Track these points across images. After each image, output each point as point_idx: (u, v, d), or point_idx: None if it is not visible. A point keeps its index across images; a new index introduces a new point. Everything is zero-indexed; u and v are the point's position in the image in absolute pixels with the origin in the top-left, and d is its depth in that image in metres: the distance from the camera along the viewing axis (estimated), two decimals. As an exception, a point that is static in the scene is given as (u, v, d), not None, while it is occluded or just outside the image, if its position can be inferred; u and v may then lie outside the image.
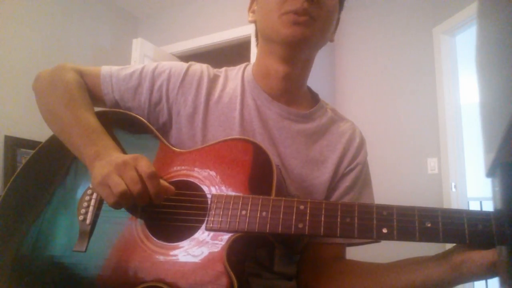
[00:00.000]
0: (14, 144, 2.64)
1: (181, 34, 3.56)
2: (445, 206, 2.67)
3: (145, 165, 0.63)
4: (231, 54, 3.46)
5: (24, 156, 2.66)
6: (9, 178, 0.76)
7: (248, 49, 3.06)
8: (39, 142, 0.82)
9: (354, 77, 3.29)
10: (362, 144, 0.86)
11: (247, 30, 3.10)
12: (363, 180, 0.84)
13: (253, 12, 0.85)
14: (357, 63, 3.27)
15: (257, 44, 0.89)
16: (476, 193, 3.60)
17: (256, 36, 0.88)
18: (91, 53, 3.32)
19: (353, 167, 0.82)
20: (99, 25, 3.42)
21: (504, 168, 0.33)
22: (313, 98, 0.90)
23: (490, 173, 0.36)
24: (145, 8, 3.71)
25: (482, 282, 3.52)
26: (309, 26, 0.74)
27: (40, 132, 2.53)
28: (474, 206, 4.09)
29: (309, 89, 0.91)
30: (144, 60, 3.19)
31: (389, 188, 2.64)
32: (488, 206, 4.03)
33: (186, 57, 3.55)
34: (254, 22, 0.85)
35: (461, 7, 2.65)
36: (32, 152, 0.81)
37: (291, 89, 0.83)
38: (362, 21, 3.26)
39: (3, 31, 2.68)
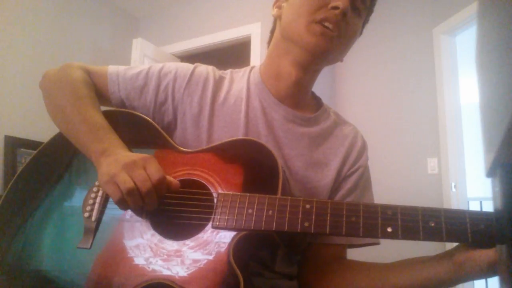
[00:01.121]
0: (14, 144, 2.64)
1: (181, 34, 3.56)
2: (445, 206, 2.67)
3: (154, 168, 0.64)
4: (231, 54, 3.47)
5: (24, 156, 2.66)
6: (9, 178, 0.76)
7: (248, 49, 3.06)
8: (39, 142, 0.83)
9: (354, 77, 3.29)
10: (363, 147, 0.87)
11: (247, 30, 3.10)
12: (364, 182, 0.85)
13: (279, 7, 0.83)
14: (357, 63, 3.27)
15: (269, 41, 0.88)
16: (476, 193, 3.61)
17: (272, 32, 0.87)
18: (91, 53, 3.32)
19: (355, 169, 0.83)
20: (99, 25, 3.42)
21: (504, 168, 0.33)
22: (317, 102, 0.91)
23: (490, 173, 0.36)
24: (145, 8, 3.71)
25: (482, 281, 3.52)
26: (334, 41, 0.74)
27: (40, 132, 2.54)
28: (474, 206, 4.10)
29: (313, 94, 0.92)
30: (144, 60, 3.19)
31: (389, 188, 2.64)
32: (488, 206, 4.03)
33: (186, 57, 3.55)
34: (278, 17, 0.83)
35: (461, 7, 2.65)
36: (32, 152, 0.81)
37: (298, 93, 0.84)
38: (362, 21, 3.26)
39: (3, 31, 2.68)
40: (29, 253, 0.70)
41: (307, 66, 0.80)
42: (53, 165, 0.81)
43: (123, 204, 0.63)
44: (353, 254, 0.81)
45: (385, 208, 0.58)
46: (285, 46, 0.80)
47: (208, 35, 3.39)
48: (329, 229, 0.59)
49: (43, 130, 2.55)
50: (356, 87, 3.27)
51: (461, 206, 2.65)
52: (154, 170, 0.63)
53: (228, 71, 0.90)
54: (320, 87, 0.98)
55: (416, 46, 3.02)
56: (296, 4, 0.77)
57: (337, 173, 0.81)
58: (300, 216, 0.60)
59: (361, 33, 0.85)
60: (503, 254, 0.43)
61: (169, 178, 0.66)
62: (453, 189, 2.68)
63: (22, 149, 2.67)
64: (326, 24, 0.73)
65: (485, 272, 0.54)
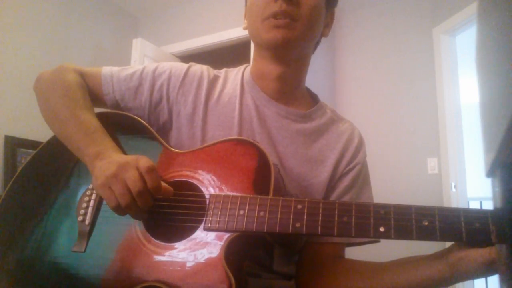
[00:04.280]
0: (14, 144, 2.64)
1: (181, 34, 3.56)
2: (445, 206, 2.67)
3: (144, 161, 0.63)
4: (231, 54, 3.46)
5: (24, 156, 2.66)
6: (9, 178, 0.76)
7: (248, 49, 3.06)
8: (39, 142, 0.82)
9: (354, 77, 3.29)
10: (361, 144, 0.86)
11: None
12: (362, 180, 0.84)
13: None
14: (357, 63, 3.27)
15: None
16: (476, 193, 3.60)
17: None
18: (91, 53, 3.31)
19: (352, 167, 0.82)
20: (99, 25, 3.42)
21: (504, 168, 0.33)
22: (313, 99, 0.91)
23: (490, 173, 0.36)
24: (145, 8, 3.71)
25: (482, 280, 3.52)
26: (290, 27, 0.74)
27: (40, 132, 2.53)
28: (474, 206, 4.09)
29: (308, 90, 0.92)
30: (144, 60, 3.19)
31: (389, 188, 2.64)
32: (488, 206, 4.02)
33: (186, 57, 3.54)
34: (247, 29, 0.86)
35: (461, 7, 2.65)
36: (32, 152, 0.81)
37: (287, 89, 0.84)
38: (362, 21, 3.26)
39: (3, 31, 2.68)
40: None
41: (282, 60, 0.80)
42: (53, 165, 0.80)
43: (119, 209, 0.62)
44: (352, 252, 0.81)
45: (377, 207, 0.57)
46: (258, 50, 0.83)
47: (208, 35, 3.39)
48: (320, 230, 0.58)
49: (43, 130, 2.54)
50: (356, 87, 3.27)
51: (461, 206, 2.65)
52: (144, 164, 0.62)
53: (223, 70, 0.90)
54: (320, 87, 0.98)
55: (416, 46, 3.02)
56: (249, 9, 0.81)
57: (333, 170, 0.81)
58: (291, 216, 0.60)
59: (332, 1, 0.83)
60: (503, 254, 0.43)
61: (164, 184, 0.65)
62: (453, 189, 2.68)
63: (22, 149, 2.67)
64: (277, 17, 0.74)
65: (481, 271, 0.54)
